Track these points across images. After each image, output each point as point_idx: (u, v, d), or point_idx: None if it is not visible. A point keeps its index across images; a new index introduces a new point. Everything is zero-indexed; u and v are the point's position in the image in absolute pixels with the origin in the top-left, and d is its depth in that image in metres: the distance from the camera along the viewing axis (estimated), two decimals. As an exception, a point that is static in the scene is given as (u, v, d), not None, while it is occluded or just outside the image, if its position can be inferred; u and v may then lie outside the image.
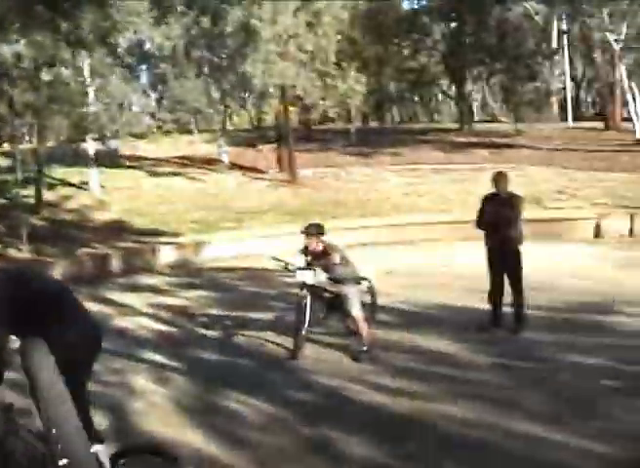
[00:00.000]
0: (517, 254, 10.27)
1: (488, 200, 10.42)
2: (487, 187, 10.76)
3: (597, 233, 18.90)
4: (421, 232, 18.90)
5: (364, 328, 9.57)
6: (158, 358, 10.26)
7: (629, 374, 8.43)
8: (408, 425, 7.26)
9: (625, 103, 36.50)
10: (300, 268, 9.66)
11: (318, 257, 9.62)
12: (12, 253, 17.51)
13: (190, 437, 7.14)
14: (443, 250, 17.18)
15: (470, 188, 19.17)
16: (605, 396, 7.86)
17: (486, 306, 10.61)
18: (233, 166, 30.88)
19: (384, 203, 22.70)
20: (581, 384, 8.25)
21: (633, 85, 34.84)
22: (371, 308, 10.52)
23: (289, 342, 9.85)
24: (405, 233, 19.00)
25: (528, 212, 18.72)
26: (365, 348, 9.45)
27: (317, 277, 9.66)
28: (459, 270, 13.85)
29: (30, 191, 24.17)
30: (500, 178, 10.35)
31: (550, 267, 14.31)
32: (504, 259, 10.27)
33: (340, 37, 28.70)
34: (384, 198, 23.46)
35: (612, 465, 6.32)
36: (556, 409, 7.54)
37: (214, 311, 13.00)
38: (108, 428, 7.46)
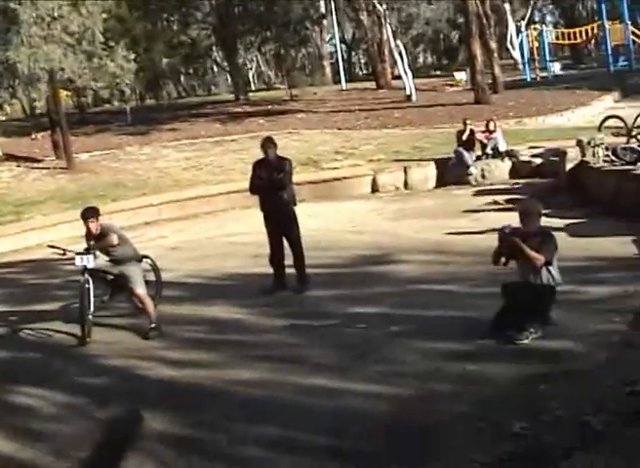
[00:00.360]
0: (292, 216, 10.54)
1: (259, 165, 10.61)
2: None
3: (374, 188, 19.50)
4: (204, 205, 18.89)
5: (149, 305, 9.56)
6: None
7: (407, 318, 8.94)
8: (200, 394, 7.37)
9: (394, 63, 37.89)
10: (78, 253, 9.50)
11: (97, 240, 9.51)
12: None
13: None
14: (226, 220, 17.26)
15: (248, 157, 19.27)
16: (387, 341, 8.31)
17: (270, 270, 10.81)
18: (7, 157, 29.64)
19: (165, 180, 22.48)
20: (365, 333, 8.67)
21: (399, 43, 36.17)
22: (156, 285, 10.49)
23: (77, 330, 9.66)
24: (187, 208, 18.94)
25: (306, 174, 19.40)
26: (153, 325, 9.43)
27: (97, 260, 9.56)
28: (242, 239, 13.99)
29: None
30: (267, 144, 10.55)
31: (330, 226, 14.78)
32: (280, 222, 10.51)
33: (106, 16, 27.90)
34: (164, 175, 23.24)
35: (393, 402, 6.70)
36: (341, 359, 7.90)
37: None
38: None
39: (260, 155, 10.79)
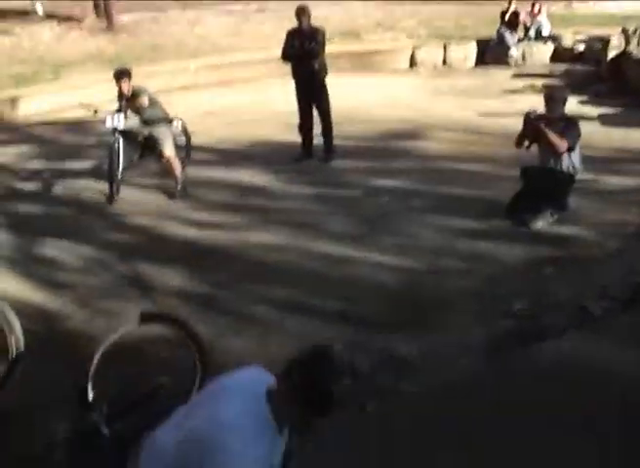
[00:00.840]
0: (322, 86, 10.52)
1: (292, 34, 10.55)
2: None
3: (412, 64, 19.21)
4: (241, 71, 18.69)
5: (177, 167, 9.74)
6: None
7: (427, 194, 9.06)
8: (218, 255, 7.65)
9: None
10: (110, 113, 9.63)
11: (128, 101, 9.60)
12: None
13: (14, 289, 7.19)
14: (263, 88, 17.14)
15: (289, 26, 19.04)
16: (405, 215, 8.47)
17: (299, 139, 10.90)
18: (48, 17, 29.52)
19: (204, 45, 22.25)
20: (385, 205, 8.82)
21: None
22: (185, 148, 10.64)
23: (106, 188, 9.91)
24: (224, 73, 18.75)
25: (345, 45, 19.12)
26: (179, 187, 9.65)
27: (128, 121, 9.67)
28: (276, 106, 13.95)
29: None
30: (301, 12, 10.44)
31: (364, 98, 14.65)
32: (310, 91, 10.52)
33: None
34: (204, 40, 23.02)
35: (405, 274, 6.89)
36: (359, 229, 8.08)
37: (33, 165, 12.79)
38: None
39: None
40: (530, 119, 8.03)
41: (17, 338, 5.47)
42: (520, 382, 4.38)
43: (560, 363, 4.68)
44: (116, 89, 9.84)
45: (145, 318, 5.05)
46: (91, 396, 4.68)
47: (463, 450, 3.78)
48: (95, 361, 4.76)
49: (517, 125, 8.32)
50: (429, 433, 3.92)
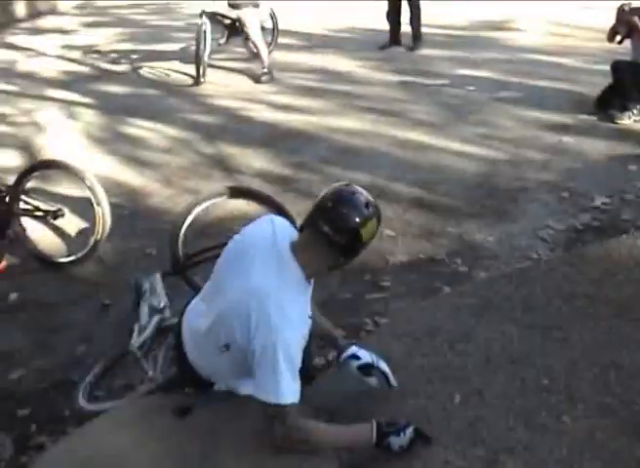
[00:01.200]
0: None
1: None
2: None
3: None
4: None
5: (264, 50, 9.77)
6: (68, 95, 10.37)
7: (514, 86, 8.96)
8: (302, 138, 7.73)
9: None
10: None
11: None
12: None
13: (100, 164, 7.42)
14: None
15: None
16: (490, 105, 8.41)
17: (386, 26, 10.79)
18: None
19: None
20: (470, 95, 8.76)
21: None
22: (272, 32, 10.65)
23: (193, 71, 10.02)
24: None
25: None
26: (265, 70, 9.70)
27: (215, 2, 9.71)
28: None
29: None
30: None
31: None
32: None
33: None
34: None
35: (485, 163, 6.89)
36: (443, 118, 8.07)
37: (121, 46, 12.95)
38: (21, 163, 7.80)
39: None
40: (623, 12, 7.82)
41: (103, 210, 5.69)
42: (593, 276, 4.40)
43: (635, 259, 4.68)
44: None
45: (234, 192, 5.17)
46: (181, 259, 4.87)
47: (530, 329, 3.86)
48: (184, 226, 4.93)
49: (610, 19, 8.11)
50: (499, 313, 4.00)
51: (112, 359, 4.12)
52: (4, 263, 5.97)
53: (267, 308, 2.70)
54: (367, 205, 2.86)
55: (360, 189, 2.95)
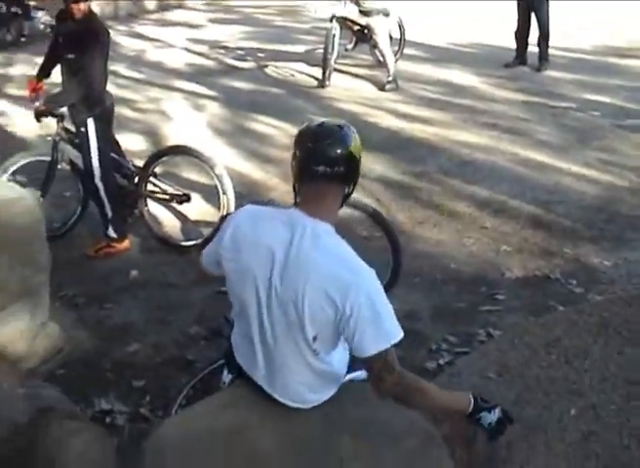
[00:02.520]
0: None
1: None
2: None
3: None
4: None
5: (390, 59, 9.88)
6: (193, 87, 10.70)
7: (638, 114, 8.83)
8: (423, 148, 7.83)
9: None
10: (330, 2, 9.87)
11: (348, -10, 9.78)
12: None
13: (224, 156, 7.62)
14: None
15: None
16: (613, 131, 8.34)
17: (513, 44, 10.80)
18: None
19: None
20: (594, 120, 8.69)
21: None
22: (399, 41, 10.77)
23: (318, 73, 10.23)
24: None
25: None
26: (390, 78, 9.81)
27: (346, 8, 9.88)
28: (491, 11, 13.77)
29: None
30: None
31: (584, 12, 14.16)
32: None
33: None
34: None
35: (605, 189, 6.88)
36: (565, 140, 8.04)
37: (247, 44, 13.25)
38: (146, 148, 8.12)
39: None
40: None
41: (228, 199, 5.90)
42: None
43: None
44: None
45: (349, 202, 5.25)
46: None
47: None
48: None
49: None
50: (618, 335, 4.03)
51: (209, 373, 3.95)
52: (127, 242, 6.24)
53: (363, 271, 2.64)
54: (340, 126, 2.77)
55: (320, 119, 2.89)
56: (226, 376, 3.61)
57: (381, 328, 2.57)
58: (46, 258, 4.49)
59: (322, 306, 2.58)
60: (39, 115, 5.98)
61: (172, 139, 8.48)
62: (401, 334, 2.59)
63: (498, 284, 5.37)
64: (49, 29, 14.03)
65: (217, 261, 2.87)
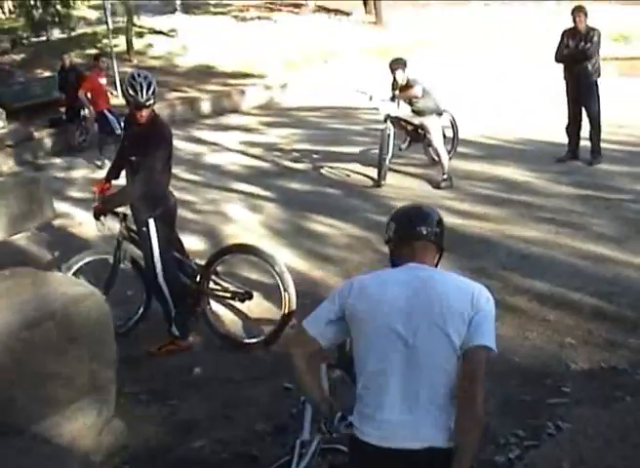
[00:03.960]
0: (593, 88, 10.38)
1: (567, 34, 10.50)
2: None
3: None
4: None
5: (445, 157, 10.03)
6: (250, 189, 10.94)
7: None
8: (481, 244, 7.85)
9: None
10: (383, 100, 10.06)
11: (402, 90, 9.97)
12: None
13: (282, 255, 7.62)
14: (526, 86, 17.01)
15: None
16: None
17: (564, 139, 10.88)
18: (319, 9, 30.78)
19: (472, 40, 22.47)
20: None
21: None
22: (452, 140, 10.94)
23: (373, 173, 10.40)
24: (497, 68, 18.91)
25: (616, 49, 18.59)
26: (445, 177, 9.93)
27: (400, 109, 10.09)
28: (541, 107, 13.94)
29: (121, 40, 24.63)
30: (578, 13, 10.37)
31: (633, 104, 14.26)
32: (580, 92, 10.42)
33: None
34: (473, 35, 23.13)
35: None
36: (622, 232, 7.97)
37: (301, 146, 13.54)
38: (206, 249, 8.26)
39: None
40: None
41: (290, 296, 5.94)
42: None
43: None
44: (388, 79, 10.24)
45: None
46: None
47: None
48: None
49: None
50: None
51: None
52: (190, 339, 6.30)
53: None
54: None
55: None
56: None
57: (492, 331, 2.99)
58: (113, 354, 4.57)
59: (454, 320, 2.95)
60: (98, 214, 6.15)
61: (231, 239, 8.64)
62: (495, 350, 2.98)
63: (563, 376, 5.29)
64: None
65: (329, 320, 3.15)
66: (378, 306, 3.03)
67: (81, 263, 6.39)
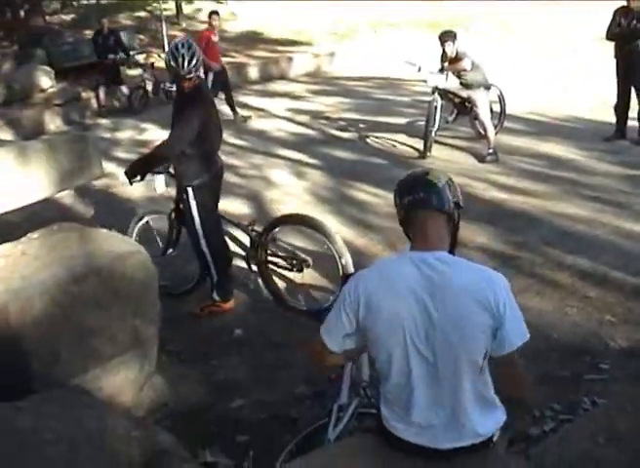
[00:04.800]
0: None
1: (619, 13, 10.34)
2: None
3: None
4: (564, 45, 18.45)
5: (491, 131, 9.97)
6: (295, 155, 10.99)
7: None
8: (524, 219, 7.81)
9: None
10: (432, 72, 10.02)
11: (451, 63, 9.92)
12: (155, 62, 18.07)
13: (329, 224, 7.75)
14: (585, 64, 16.80)
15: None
16: None
17: (612, 118, 10.77)
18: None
19: (518, 20, 22.25)
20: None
21: None
22: (499, 115, 10.87)
23: (419, 144, 10.38)
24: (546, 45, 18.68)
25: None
26: (491, 150, 9.88)
27: (448, 81, 10.04)
28: (596, 86, 13.76)
29: (170, 5, 24.70)
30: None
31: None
32: (630, 71, 10.27)
33: None
34: (517, 17, 22.89)
35: None
36: (667, 212, 7.91)
37: (348, 115, 13.54)
38: (250, 213, 8.33)
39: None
40: None
41: (346, 261, 5.91)
42: None
43: None
44: (437, 51, 10.19)
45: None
46: None
47: None
48: None
49: None
50: None
51: (307, 436, 4.02)
52: (232, 302, 6.37)
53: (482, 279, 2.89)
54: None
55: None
56: (331, 434, 3.68)
57: (521, 323, 2.86)
58: (157, 312, 4.64)
59: (478, 316, 2.80)
60: (129, 175, 6.07)
61: (275, 205, 8.74)
62: (528, 334, 2.88)
63: (602, 353, 5.28)
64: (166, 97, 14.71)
65: (346, 334, 3.01)
66: (392, 322, 2.86)
67: (145, 220, 6.61)
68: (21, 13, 22.23)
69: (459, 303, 2.80)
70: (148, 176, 6.12)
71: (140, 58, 17.36)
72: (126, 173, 6.00)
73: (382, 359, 2.96)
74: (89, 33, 21.45)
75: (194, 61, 5.66)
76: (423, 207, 2.97)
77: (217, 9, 15.68)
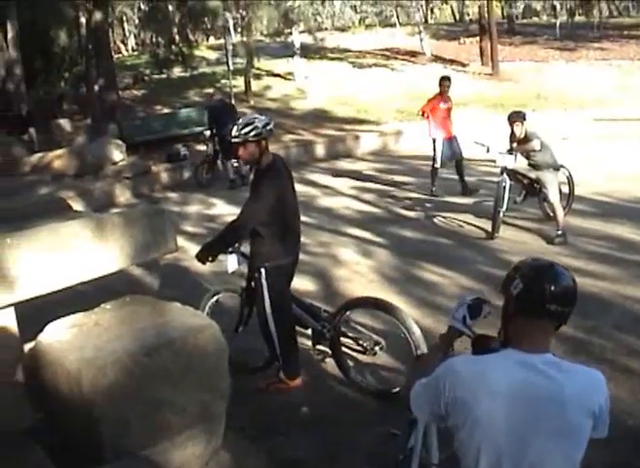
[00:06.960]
0: None
1: None
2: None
3: None
4: (626, 128, 18.36)
5: (560, 213, 9.88)
6: (362, 233, 11.04)
7: None
8: (595, 302, 7.65)
9: None
10: (501, 153, 10.03)
11: (519, 143, 9.93)
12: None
13: (392, 302, 7.72)
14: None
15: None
16: None
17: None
18: (435, 58, 31.04)
19: (587, 97, 22.24)
20: None
21: None
22: (568, 196, 10.79)
23: (486, 225, 10.36)
24: (609, 127, 18.56)
25: None
26: (559, 232, 9.78)
27: (517, 162, 10.04)
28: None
29: (239, 81, 25.26)
30: None
31: None
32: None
33: None
34: (587, 93, 22.92)
35: None
36: None
37: (415, 195, 13.60)
38: (317, 290, 8.35)
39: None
40: None
41: (417, 339, 5.82)
42: None
43: None
44: (503, 131, 10.22)
45: None
46: None
47: None
48: None
49: None
50: None
51: None
52: (299, 380, 6.33)
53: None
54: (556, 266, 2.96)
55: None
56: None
57: (607, 424, 2.81)
58: (226, 387, 4.63)
59: (586, 424, 2.71)
60: (202, 258, 6.12)
61: (341, 283, 8.79)
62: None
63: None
64: (233, 175, 14.94)
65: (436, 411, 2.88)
66: (487, 432, 2.70)
67: (217, 297, 6.71)
68: (96, 87, 22.96)
69: (568, 412, 2.67)
70: (221, 256, 6.18)
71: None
72: (197, 256, 6.10)
73: (469, 460, 2.79)
74: (159, 108, 22.04)
75: (248, 129, 5.79)
76: (558, 320, 2.82)
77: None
